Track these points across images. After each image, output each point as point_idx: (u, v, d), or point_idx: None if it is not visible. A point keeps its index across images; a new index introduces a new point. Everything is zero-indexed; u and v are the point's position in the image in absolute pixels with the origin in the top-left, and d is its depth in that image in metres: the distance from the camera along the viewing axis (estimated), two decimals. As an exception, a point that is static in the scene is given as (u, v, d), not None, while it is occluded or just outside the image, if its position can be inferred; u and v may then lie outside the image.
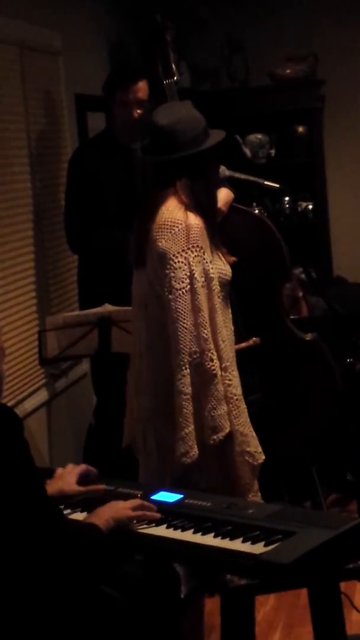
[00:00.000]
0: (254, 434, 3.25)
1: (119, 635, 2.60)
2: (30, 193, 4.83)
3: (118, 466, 3.54)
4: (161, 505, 2.75)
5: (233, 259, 3.30)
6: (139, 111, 4.72)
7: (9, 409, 2.48)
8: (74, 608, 2.48)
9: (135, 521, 2.67)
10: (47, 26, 5.06)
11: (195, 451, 3.09)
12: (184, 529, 2.63)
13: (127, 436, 3.43)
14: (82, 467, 2.99)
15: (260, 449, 3.25)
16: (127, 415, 3.44)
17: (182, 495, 2.83)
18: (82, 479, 2.95)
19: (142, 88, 4.75)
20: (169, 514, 2.71)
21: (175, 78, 4.40)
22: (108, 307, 4.28)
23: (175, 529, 2.64)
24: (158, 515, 2.68)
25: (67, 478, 2.93)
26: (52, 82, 5.16)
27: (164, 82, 4.37)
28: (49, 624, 2.43)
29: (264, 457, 3.25)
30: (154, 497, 2.82)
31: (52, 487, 2.84)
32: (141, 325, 3.31)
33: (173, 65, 4.43)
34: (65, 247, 4.96)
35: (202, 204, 3.20)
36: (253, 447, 3.23)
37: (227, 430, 3.14)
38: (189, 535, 2.61)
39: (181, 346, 3.09)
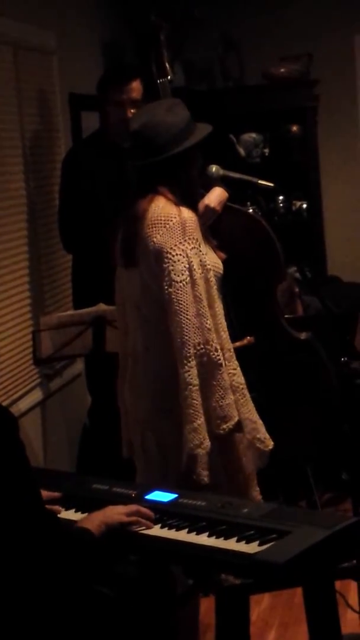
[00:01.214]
0: (261, 421, 3.27)
1: (115, 635, 2.60)
2: (24, 192, 4.82)
3: (113, 466, 3.54)
4: (156, 505, 2.75)
5: (223, 255, 3.32)
6: (132, 111, 4.71)
7: (4, 409, 2.47)
8: (66, 610, 2.47)
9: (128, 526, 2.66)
10: (41, 25, 5.06)
11: (208, 442, 3.09)
12: (178, 529, 2.63)
13: (126, 442, 3.44)
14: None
15: (268, 435, 3.26)
16: (123, 423, 3.45)
17: (176, 495, 2.83)
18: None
19: (136, 88, 4.74)
20: (164, 514, 2.71)
21: (169, 77, 4.39)
22: (102, 307, 4.28)
23: (170, 528, 2.64)
24: (152, 525, 2.67)
25: None
26: (46, 82, 5.15)
27: (158, 81, 4.36)
28: (42, 625, 2.43)
29: (272, 443, 3.26)
30: (148, 497, 2.82)
31: None
32: (134, 327, 3.31)
33: (167, 65, 4.42)
34: (59, 246, 4.96)
35: (185, 202, 3.22)
36: (262, 433, 3.25)
37: (236, 419, 3.15)
38: (183, 535, 2.61)
39: (186, 338, 3.10)
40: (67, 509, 2.84)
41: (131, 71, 4.82)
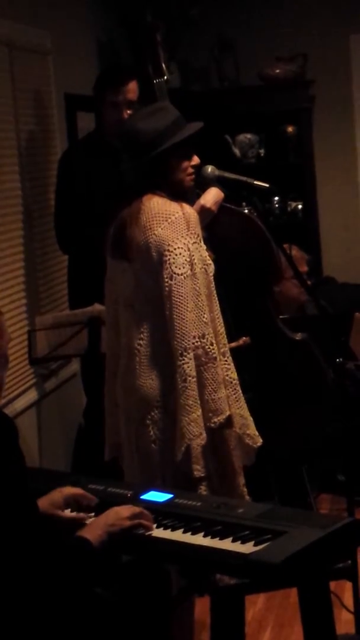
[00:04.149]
0: (251, 417, 3.29)
1: (109, 636, 2.59)
2: (19, 193, 4.82)
3: (108, 466, 3.54)
4: (151, 505, 2.75)
5: (212, 255, 3.35)
6: (129, 112, 4.71)
7: (6, 417, 2.46)
8: (58, 618, 2.45)
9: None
10: (36, 26, 5.06)
11: (205, 434, 3.11)
12: (173, 529, 2.63)
13: (110, 445, 3.45)
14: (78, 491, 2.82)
15: (257, 433, 3.29)
16: (108, 425, 3.46)
17: (172, 495, 2.83)
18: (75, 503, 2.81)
19: (132, 89, 4.74)
20: (159, 514, 2.71)
21: (165, 78, 4.39)
22: (97, 307, 4.27)
23: (165, 528, 2.64)
24: (153, 526, 2.64)
25: (55, 498, 2.78)
26: (41, 82, 5.15)
27: (154, 81, 4.36)
28: (33, 631, 2.41)
29: (261, 440, 3.29)
30: (143, 497, 2.82)
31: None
32: (127, 324, 3.32)
33: (163, 65, 4.42)
34: (54, 247, 4.96)
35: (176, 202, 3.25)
36: (252, 430, 3.28)
37: (227, 414, 3.17)
38: (178, 535, 2.61)
39: (186, 329, 3.13)
40: (87, 513, 2.82)
41: (127, 72, 4.82)
